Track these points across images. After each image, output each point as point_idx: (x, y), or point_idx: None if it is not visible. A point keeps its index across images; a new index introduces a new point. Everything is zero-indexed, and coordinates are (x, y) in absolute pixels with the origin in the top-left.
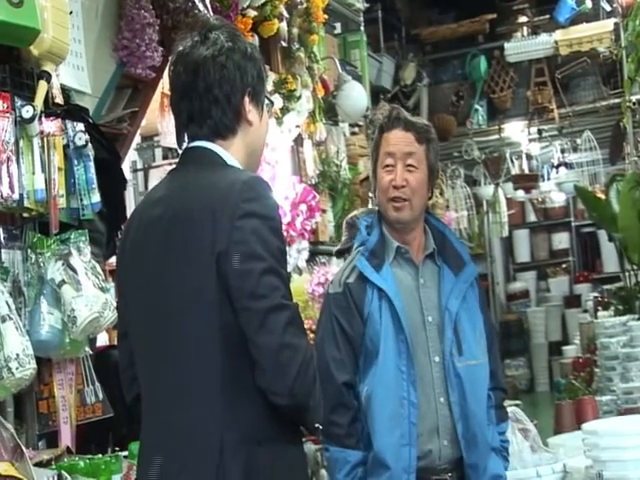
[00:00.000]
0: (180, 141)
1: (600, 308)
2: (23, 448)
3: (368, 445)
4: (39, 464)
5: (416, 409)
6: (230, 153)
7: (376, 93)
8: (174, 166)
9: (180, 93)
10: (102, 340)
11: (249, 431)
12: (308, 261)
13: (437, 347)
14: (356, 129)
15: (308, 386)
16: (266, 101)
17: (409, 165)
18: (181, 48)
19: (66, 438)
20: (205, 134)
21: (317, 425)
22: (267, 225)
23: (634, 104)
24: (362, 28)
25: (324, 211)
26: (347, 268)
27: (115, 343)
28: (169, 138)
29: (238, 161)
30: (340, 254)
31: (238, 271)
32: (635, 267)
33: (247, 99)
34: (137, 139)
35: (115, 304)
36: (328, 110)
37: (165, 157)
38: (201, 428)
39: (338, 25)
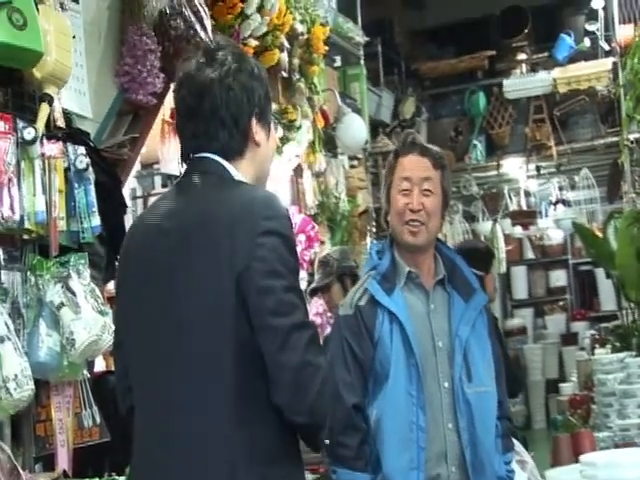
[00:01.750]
0: (185, 159)
1: (597, 345)
2: (20, 470)
3: (376, 468)
4: None
5: (425, 433)
6: (238, 171)
7: (375, 127)
8: (179, 178)
9: (186, 115)
10: (99, 366)
11: (260, 451)
12: (305, 292)
13: (447, 373)
14: (355, 162)
15: (326, 405)
16: (273, 119)
17: (425, 190)
18: (187, 70)
19: (63, 462)
20: (211, 152)
21: (326, 441)
22: (286, 244)
23: (632, 142)
24: (362, 62)
25: (322, 242)
26: (358, 291)
27: (112, 369)
28: (170, 165)
29: (247, 181)
30: (314, 292)
31: (259, 288)
32: (632, 304)
33: (254, 120)
34: (137, 166)
35: (113, 327)
36: (327, 142)
37: (164, 185)
38: (212, 447)
39: (338, 58)
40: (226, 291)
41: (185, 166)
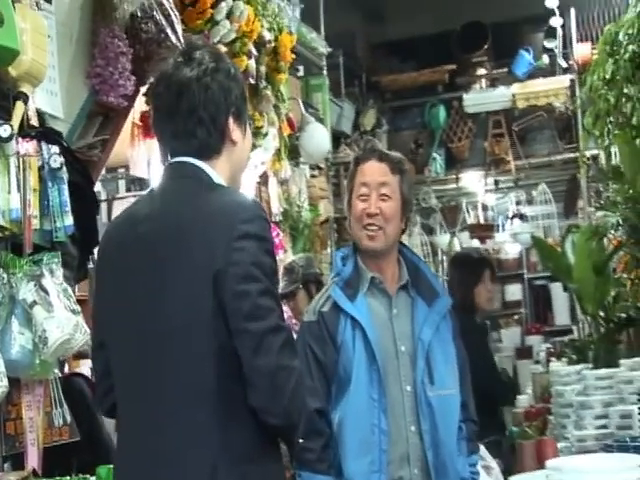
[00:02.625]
0: (164, 160)
1: (553, 359)
2: None
3: (339, 471)
4: None
5: (387, 436)
6: (215, 172)
7: (337, 137)
8: (157, 182)
9: (164, 114)
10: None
11: (241, 451)
12: None
13: (409, 376)
14: (316, 172)
15: (299, 406)
16: (248, 119)
17: (383, 194)
18: (164, 69)
19: (33, 460)
20: (190, 152)
21: (300, 440)
22: (263, 247)
23: (588, 159)
24: (325, 72)
25: (285, 251)
26: (322, 297)
27: (78, 371)
28: (139, 168)
29: (223, 179)
30: (286, 297)
31: (235, 292)
32: (589, 318)
33: (231, 119)
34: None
35: (86, 327)
36: (290, 151)
37: (129, 189)
38: (192, 449)
39: (301, 68)
40: (204, 295)
41: (164, 170)
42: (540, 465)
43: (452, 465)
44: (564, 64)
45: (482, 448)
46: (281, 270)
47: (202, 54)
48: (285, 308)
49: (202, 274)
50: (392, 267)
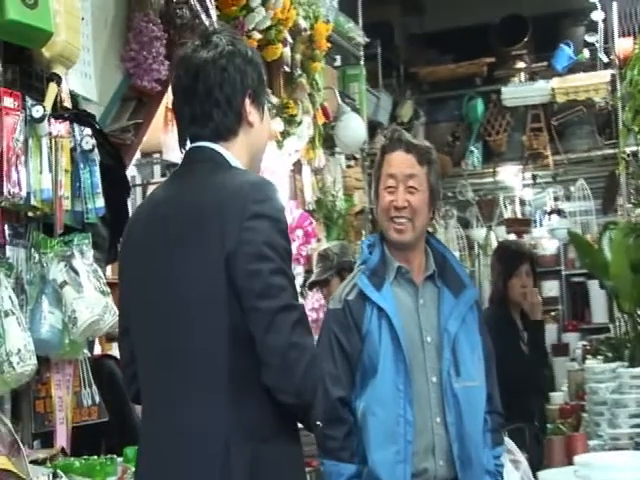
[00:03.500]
0: (182, 144)
1: (589, 356)
2: (20, 444)
3: (363, 459)
4: (34, 462)
5: (412, 427)
6: (232, 154)
7: (373, 128)
8: (177, 167)
9: (181, 97)
10: (96, 349)
11: (254, 429)
12: (302, 287)
13: (435, 367)
14: (352, 162)
15: (314, 385)
16: (267, 103)
17: (410, 187)
18: (183, 53)
19: (61, 439)
20: (207, 135)
21: (318, 423)
22: (276, 227)
23: (628, 155)
24: (362, 62)
25: (319, 240)
26: (348, 285)
27: (109, 353)
28: (172, 153)
29: (241, 162)
30: (312, 286)
31: (247, 271)
32: (625, 315)
33: (248, 101)
34: (137, 154)
35: (115, 309)
36: (326, 140)
37: (164, 174)
38: (206, 427)
39: (338, 58)
40: (218, 275)
41: (184, 155)
42: (570, 461)
43: (477, 457)
44: (605, 59)
45: (511, 442)
46: (315, 257)
47: (219, 37)
48: (316, 296)
49: (215, 254)
50: (419, 257)
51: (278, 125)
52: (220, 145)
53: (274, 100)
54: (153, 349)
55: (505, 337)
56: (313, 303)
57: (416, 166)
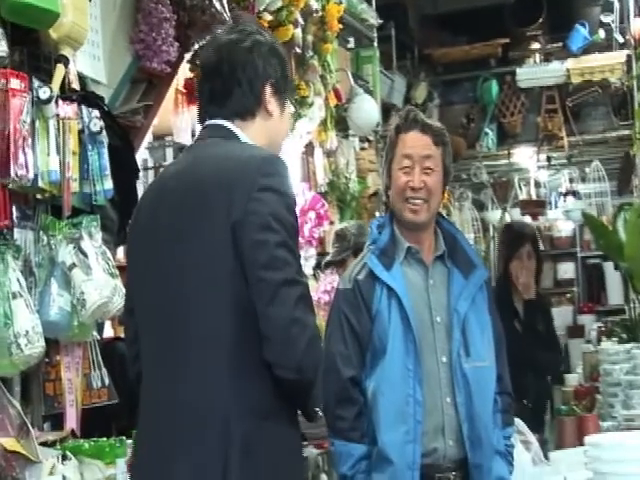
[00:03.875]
0: (202, 122)
1: (604, 338)
2: (29, 426)
3: (373, 440)
4: (44, 444)
5: (421, 407)
6: (247, 135)
7: (387, 110)
8: (191, 143)
9: (205, 75)
10: (108, 332)
11: (255, 404)
12: (314, 269)
13: (445, 348)
14: (365, 144)
15: (315, 362)
16: (291, 104)
17: (427, 167)
18: (213, 35)
19: (71, 421)
20: (224, 114)
21: (317, 409)
22: (283, 201)
23: None
24: (375, 44)
25: (332, 222)
26: (358, 265)
27: (121, 336)
28: (183, 135)
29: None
30: (328, 265)
31: (252, 241)
32: None
33: (269, 89)
34: (149, 137)
35: (124, 290)
36: (339, 122)
37: (176, 157)
38: (206, 402)
39: (351, 39)
40: (224, 245)
41: (199, 131)
42: (581, 441)
43: (487, 438)
44: (620, 39)
45: (521, 423)
46: (332, 236)
47: (250, 28)
48: (329, 279)
49: (222, 225)
50: (429, 238)
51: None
52: (236, 124)
53: None
54: (156, 324)
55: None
56: (326, 285)
57: (432, 147)
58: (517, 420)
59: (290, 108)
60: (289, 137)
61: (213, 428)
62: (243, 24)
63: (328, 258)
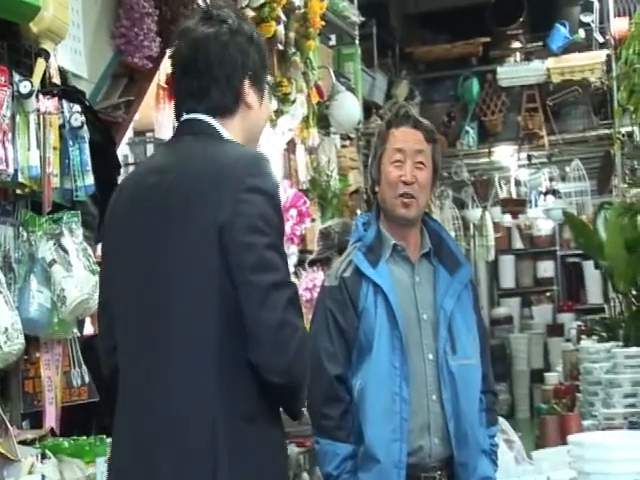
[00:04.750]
0: (178, 118)
1: (584, 336)
2: (8, 424)
3: (359, 439)
4: (23, 443)
5: (408, 405)
6: (228, 131)
7: (368, 108)
8: (169, 138)
9: (180, 70)
10: (88, 329)
11: (240, 406)
12: (296, 267)
13: (431, 345)
14: (347, 142)
15: (304, 366)
16: (267, 88)
17: (418, 162)
18: (184, 25)
19: (50, 419)
20: (203, 110)
21: (303, 410)
22: (270, 202)
23: (623, 135)
24: (357, 42)
25: (313, 220)
26: (344, 262)
27: None
28: (165, 131)
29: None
30: (312, 264)
31: (241, 243)
32: (620, 295)
33: (247, 82)
34: (129, 133)
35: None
36: (320, 120)
37: None
38: (192, 401)
39: (333, 37)
40: (209, 246)
41: (177, 126)
42: (563, 440)
43: (473, 436)
44: (600, 39)
45: (505, 422)
46: (314, 234)
47: (225, 16)
48: (310, 276)
49: (208, 226)
50: (415, 235)
51: (272, 104)
52: (217, 120)
53: (268, 78)
54: (136, 323)
55: None
56: (307, 283)
57: (424, 142)
58: (500, 419)
59: (268, 94)
60: (270, 131)
61: (198, 429)
62: (218, 9)
63: (312, 256)
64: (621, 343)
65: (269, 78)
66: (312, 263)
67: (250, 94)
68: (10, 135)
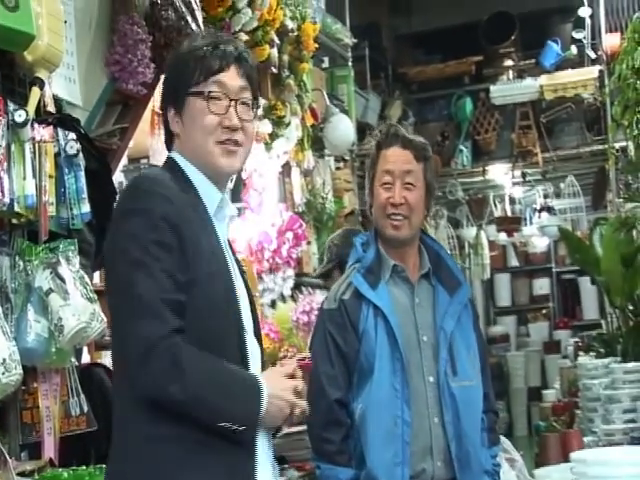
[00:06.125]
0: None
1: (581, 353)
2: (7, 456)
3: (360, 463)
4: (21, 474)
5: (410, 428)
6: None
7: (362, 129)
8: None
9: None
10: (85, 358)
11: (153, 428)
12: (292, 290)
13: (432, 367)
14: (341, 164)
15: (154, 376)
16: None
17: (407, 183)
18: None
19: (49, 450)
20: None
21: (226, 425)
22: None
23: (617, 151)
24: (350, 63)
25: (309, 242)
26: (343, 284)
27: (98, 361)
28: (159, 157)
29: (193, 165)
30: (323, 277)
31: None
32: (617, 311)
33: (171, 111)
34: (124, 160)
35: (102, 316)
36: (315, 142)
37: None
38: (118, 424)
39: (326, 59)
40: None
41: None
42: (565, 458)
43: (475, 457)
44: (593, 55)
45: (507, 441)
46: (309, 257)
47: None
48: (306, 300)
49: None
50: (414, 255)
51: (266, 127)
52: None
53: (262, 102)
54: None
55: None
56: (304, 306)
57: (413, 162)
58: (502, 438)
59: (190, 104)
60: (265, 155)
61: (118, 452)
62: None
63: (320, 270)
64: (619, 358)
65: (262, 102)
66: (322, 277)
67: (173, 122)
68: (6, 164)
